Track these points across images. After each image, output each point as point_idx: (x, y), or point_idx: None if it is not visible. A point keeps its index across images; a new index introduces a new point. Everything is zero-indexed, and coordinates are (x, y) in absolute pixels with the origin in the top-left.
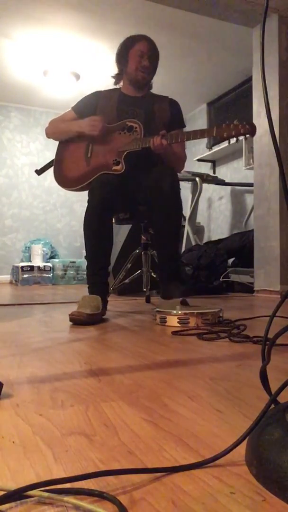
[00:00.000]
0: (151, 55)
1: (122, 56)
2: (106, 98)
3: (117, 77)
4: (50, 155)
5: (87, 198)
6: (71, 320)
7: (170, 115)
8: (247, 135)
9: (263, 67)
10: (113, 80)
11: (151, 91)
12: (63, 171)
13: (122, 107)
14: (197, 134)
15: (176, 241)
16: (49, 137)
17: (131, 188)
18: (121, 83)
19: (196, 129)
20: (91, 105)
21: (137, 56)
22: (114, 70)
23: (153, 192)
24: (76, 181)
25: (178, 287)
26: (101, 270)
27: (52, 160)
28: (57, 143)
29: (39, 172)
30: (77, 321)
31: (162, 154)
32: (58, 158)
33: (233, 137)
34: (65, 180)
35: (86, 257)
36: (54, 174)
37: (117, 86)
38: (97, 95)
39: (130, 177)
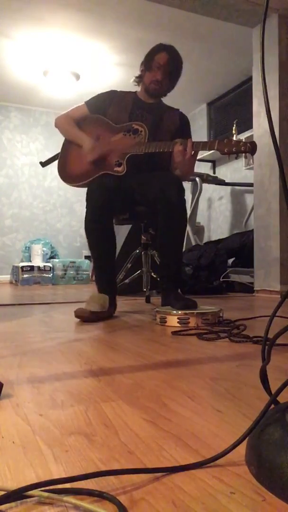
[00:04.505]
0: (169, 69)
1: (144, 63)
2: (120, 99)
3: (137, 81)
4: (50, 155)
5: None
6: (75, 316)
7: (178, 126)
8: (247, 154)
9: (263, 67)
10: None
11: (162, 100)
12: (67, 166)
13: (134, 110)
14: (199, 146)
15: (180, 250)
16: (56, 128)
17: (132, 190)
18: (140, 87)
19: (199, 141)
20: (105, 102)
21: (155, 67)
22: (114, 70)
23: (160, 202)
24: (78, 178)
25: (178, 298)
26: (108, 270)
27: (58, 154)
28: (57, 139)
29: (43, 164)
30: (80, 317)
31: (181, 161)
32: (63, 152)
33: (233, 153)
34: (67, 175)
35: (91, 258)
36: (57, 167)
37: (135, 89)
38: (112, 94)
39: (131, 179)
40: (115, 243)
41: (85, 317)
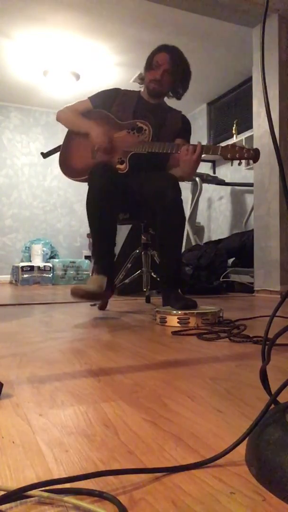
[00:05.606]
0: (169, 69)
1: (146, 63)
2: (125, 97)
3: (141, 81)
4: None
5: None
6: (71, 293)
7: (180, 127)
8: (250, 160)
9: (263, 67)
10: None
11: (165, 101)
12: (68, 160)
13: (137, 109)
14: (202, 149)
15: (178, 249)
16: (58, 121)
17: (132, 190)
18: (143, 88)
19: (203, 144)
20: (110, 99)
21: (154, 67)
22: (114, 70)
23: (157, 202)
24: (79, 172)
25: (178, 298)
26: (107, 252)
27: (59, 146)
28: (57, 139)
29: (45, 155)
30: (76, 295)
31: (187, 162)
32: (65, 145)
33: (236, 159)
34: (68, 169)
35: (91, 240)
36: (59, 160)
37: (140, 89)
38: (117, 91)
39: (133, 177)
40: (116, 228)
41: (80, 295)
